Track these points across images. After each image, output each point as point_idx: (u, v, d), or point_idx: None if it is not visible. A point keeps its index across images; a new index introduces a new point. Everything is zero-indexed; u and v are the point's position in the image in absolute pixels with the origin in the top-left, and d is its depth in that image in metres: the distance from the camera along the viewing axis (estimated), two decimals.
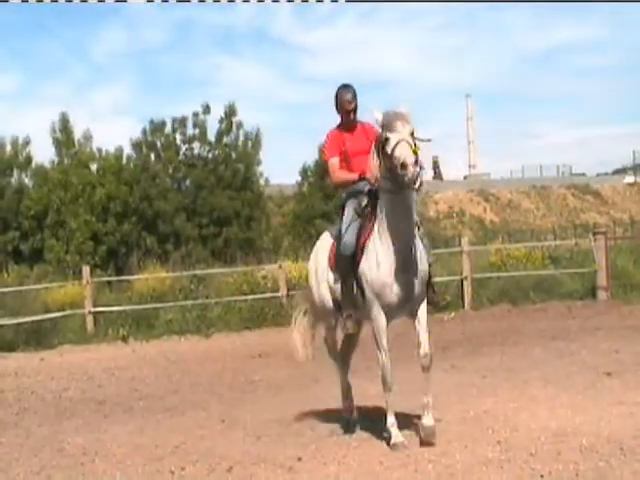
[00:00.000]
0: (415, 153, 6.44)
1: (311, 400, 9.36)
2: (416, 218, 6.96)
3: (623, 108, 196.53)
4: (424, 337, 6.90)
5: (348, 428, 7.66)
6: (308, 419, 8.35)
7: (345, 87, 7.54)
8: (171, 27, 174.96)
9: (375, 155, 6.84)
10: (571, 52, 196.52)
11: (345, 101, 7.49)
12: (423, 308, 6.99)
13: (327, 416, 8.41)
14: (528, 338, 13.24)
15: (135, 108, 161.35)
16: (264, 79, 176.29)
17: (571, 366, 10.12)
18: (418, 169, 6.41)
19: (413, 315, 6.98)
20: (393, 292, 6.79)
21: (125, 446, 7.74)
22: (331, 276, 7.46)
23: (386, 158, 6.59)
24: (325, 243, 7.80)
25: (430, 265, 7.15)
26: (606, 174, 78.16)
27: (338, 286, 7.33)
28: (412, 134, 6.62)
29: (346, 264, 7.13)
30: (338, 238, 7.35)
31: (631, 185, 65.72)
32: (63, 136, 30.01)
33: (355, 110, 7.53)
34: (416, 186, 6.47)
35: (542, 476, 5.69)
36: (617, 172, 78.88)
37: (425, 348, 6.86)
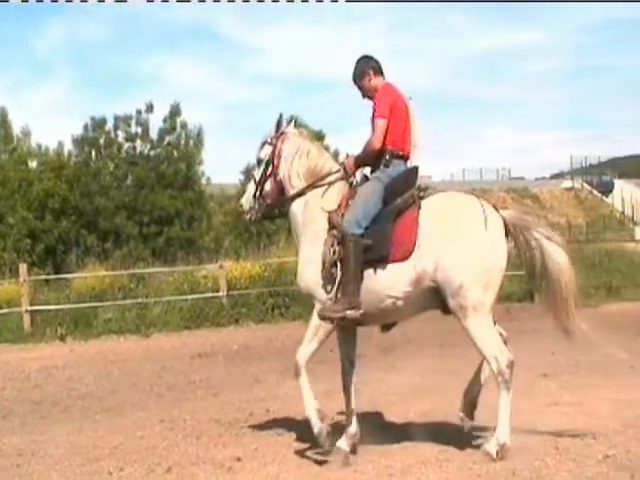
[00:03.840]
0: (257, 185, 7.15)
1: (251, 400, 9.36)
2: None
3: (561, 114, 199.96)
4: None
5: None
6: (248, 419, 8.34)
7: None
8: (113, 23, 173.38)
9: None
10: (512, 57, 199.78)
11: None
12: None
13: (268, 416, 8.43)
14: (468, 340, 13.33)
15: (76, 105, 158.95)
16: (207, 78, 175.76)
17: None
18: (250, 205, 7.23)
19: None
20: None
21: (63, 447, 7.63)
22: None
23: None
24: None
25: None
26: (544, 178, 79.21)
27: None
28: (259, 161, 7.22)
29: None
30: None
31: (568, 190, 66.72)
32: (1, 131, 29.57)
33: (360, 88, 7.11)
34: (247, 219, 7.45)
35: (479, 475, 5.76)
36: (555, 177, 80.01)
37: None
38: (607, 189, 63.76)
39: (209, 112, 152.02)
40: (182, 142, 30.77)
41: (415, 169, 7.03)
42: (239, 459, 6.72)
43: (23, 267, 18.23)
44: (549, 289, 6.61)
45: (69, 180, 27.83)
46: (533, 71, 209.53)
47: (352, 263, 6.46)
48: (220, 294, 18.42)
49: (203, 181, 31.79)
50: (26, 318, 17.36)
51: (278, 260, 19.48)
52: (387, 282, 6.46)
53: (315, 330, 6.64)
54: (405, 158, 6.94)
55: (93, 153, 30.28)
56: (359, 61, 7.08)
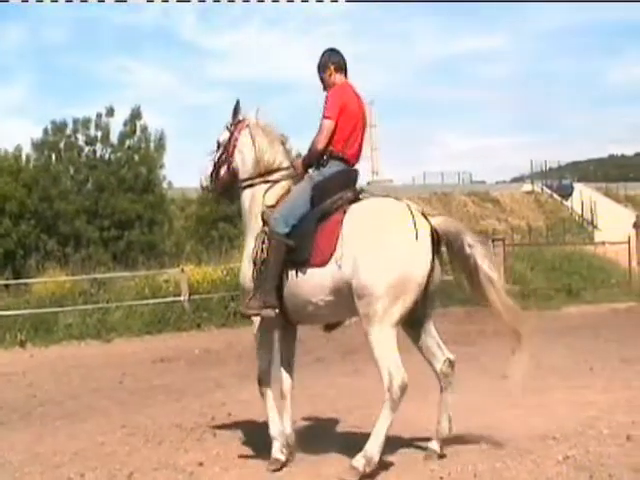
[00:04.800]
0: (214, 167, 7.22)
1: (213, 405, 9.34)
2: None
3: (521, 118, 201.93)
4: None
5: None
6: (210, 424, 8.32)
7: None
8: (73, 26, 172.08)
9: None
10: (472, 62, 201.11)
11: None
12: None
13: (229, 421, 8.41)
14: None
15: (35, 109, 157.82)
16: (169, 82, 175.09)
17: (470, 370, 10.28)
18: (207, 183, 7.44)
19: None
20: None
21: (22, 454, 7.56)
22: None
23: None
24: None
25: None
26: (504, 182, 79.80)
27: None
28: (218, 144, 7.27)
29: None
30: None
31: (529, 193, 67.17)
32: None
33: (321, 80, 6.99)
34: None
35: (442, 477, 5.80)
36: (515, 180, 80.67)
37: None
38: (567, 192, 64.31)
39: (171, 116, 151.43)
40: (143, 146, 30.60)
41: (351, 171, 6.83)
42: (201, 464, 6.71)
43: None
44: (484, 294, 6.44)
45: (27, 184, 27.53)
46: (494, 75, 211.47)
47: (272, 261, 6.45)
48: (182, 298, 18.36)
49: (164, 185, 31.62)
50: None
51: (240, 264, 19.38)
52: (308, 286, 6.36)
53: (259, 339, 6.75)
54: (345, 161, 6.74)
55: (53, 157, 30.01)
56: (324, 53, 6.97)
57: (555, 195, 65.40)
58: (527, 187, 68.34)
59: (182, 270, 18.96)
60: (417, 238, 6.09)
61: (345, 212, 6.37)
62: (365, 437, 7.06)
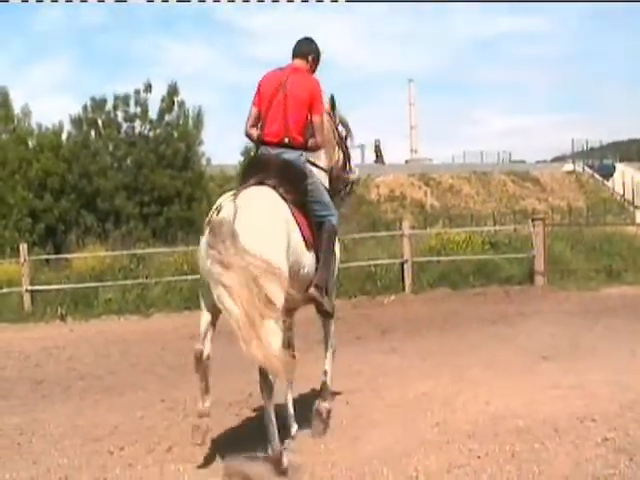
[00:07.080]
0: None
1: (251, 381, 9.34)
2: None
3: (562, 97, 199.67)
4: None
5: None
6: (249, 400, 8.36)
7: None
8: (111, 5, 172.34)
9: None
10: (512, 41, 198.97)
11: None
12: None
13: None
14: (467, 322, 13.39)
15: (75, 85, 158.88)
16: (206, 60, 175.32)
17: (509, 350, 10.26)
18: None
19: None
20: None
21: (63, 426, 7.67)
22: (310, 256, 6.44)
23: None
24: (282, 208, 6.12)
25: None
26: (545, 162, 79.03)
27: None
28: None
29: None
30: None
31: (569, 173, 66.55)
32: (2, 111, 29.43)
33: None
34: None
35: (479, 457, 5.78)
36: (556, 160, 79.86)
37: None
38: (608, 173, 63.65)
39: (207, 94, 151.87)
40: (181, 122, 30.68)
41: (261, 155, 6.58)
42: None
43: (23, 247, 18.23)
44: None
45: (67, 159, 27.73)
46: (535, 55, 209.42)
47: None
48: None
49: (203, 161, 31.72)
50: (26, 298, 17.40)
51: None
52: None
53: None
54: (266, 142, 6.53)
55: (93, 133, 30.18)
56: None
57: (596, 175, 64.71)
58: (568, 167, 67.71)
59: None
60: (206, 229, 5.77)
61: None
62: (401, 413, 7.09)
